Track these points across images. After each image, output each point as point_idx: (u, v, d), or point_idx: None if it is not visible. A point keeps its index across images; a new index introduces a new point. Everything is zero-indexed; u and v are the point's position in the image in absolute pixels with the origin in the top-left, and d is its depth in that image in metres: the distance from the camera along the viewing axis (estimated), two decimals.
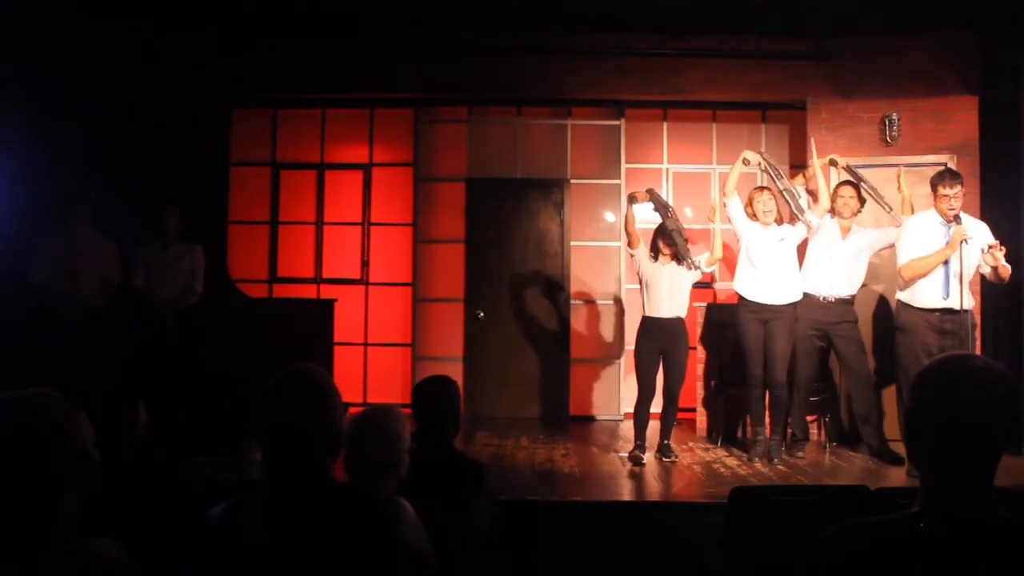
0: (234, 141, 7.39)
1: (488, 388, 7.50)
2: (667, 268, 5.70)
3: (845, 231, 5.77)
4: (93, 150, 6.45)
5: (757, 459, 5.58)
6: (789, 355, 5.76)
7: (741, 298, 5.76)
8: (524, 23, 6.70)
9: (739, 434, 6.44)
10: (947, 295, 5.10)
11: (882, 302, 6.42)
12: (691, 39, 6.85)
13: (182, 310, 6.13)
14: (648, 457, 5.64)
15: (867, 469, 5.44)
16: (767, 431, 5.75)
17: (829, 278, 5.70)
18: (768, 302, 5.67)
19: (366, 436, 2.44)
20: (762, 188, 5.88)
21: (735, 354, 6.10)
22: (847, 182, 5.91)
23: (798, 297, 5.72)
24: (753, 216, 5.77)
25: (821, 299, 5.69)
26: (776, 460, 5.58)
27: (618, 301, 7.59)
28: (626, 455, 5.69)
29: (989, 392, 1.46)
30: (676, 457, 5.65)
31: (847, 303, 5.76)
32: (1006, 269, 5.07)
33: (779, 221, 5.78)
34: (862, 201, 5.81)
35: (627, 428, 6.86)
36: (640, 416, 5.67)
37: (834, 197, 5.85)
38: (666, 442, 5.69)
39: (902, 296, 5.33)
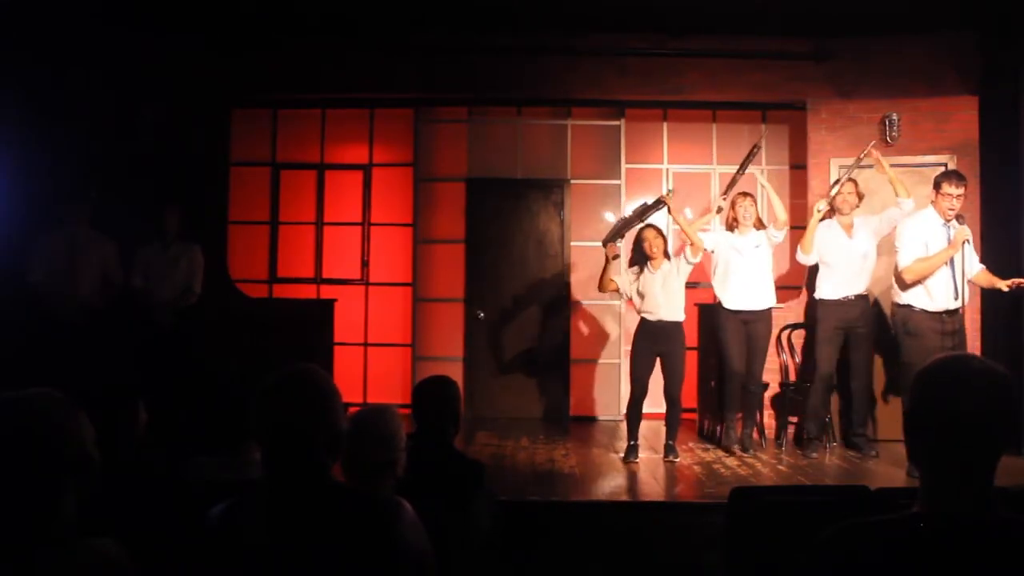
0: (234, 141, 7.39)
1: (488, 388, 7.50)
2: (659, 273, 5.70)
3: (849, 228, 5.82)
4: (93, 150, 6.45)
5: (735, 445, 5.80)
6: (767, 355, 6.02)
7: (721, 304, 5.93)
8: (524, 23, 6.70)
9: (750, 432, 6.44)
10: (957, 295, 5.11)
11: (881, 300, 6.43)
12: (691, 39, 6.85)
13: (182, 310, 6.13)
14: (647, 456, 5.68)
15: (867, 469, 5.44)
16: (739, 425, 5.98)
17: (845, 278, 5.77)
18: (748, 308, 5.85)
19: (361, 436, 2.44)
20: (745, 194, 5.98)
21: (718, 352, 6.21)
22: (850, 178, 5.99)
23: (774, 303, 5.94)
24: (734, 220, 5.91)
25: (843, 299, 5.76)
26: (752, 451, 5.81)
27: (618, 301, 7.58)
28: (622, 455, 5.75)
29: (989, 392, 1.47)
30: (678, 458, 5.68)
31: (866, 299, 5.85)
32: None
33: (757, 226, 5.93)
34: (860, 196, 5.87)
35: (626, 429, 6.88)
36: (633, 414, 5.75)
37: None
38: (671, 443, 5.72)
39: (908, 299, 5.28)
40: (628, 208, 5.94)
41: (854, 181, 5.89)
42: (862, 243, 5.78)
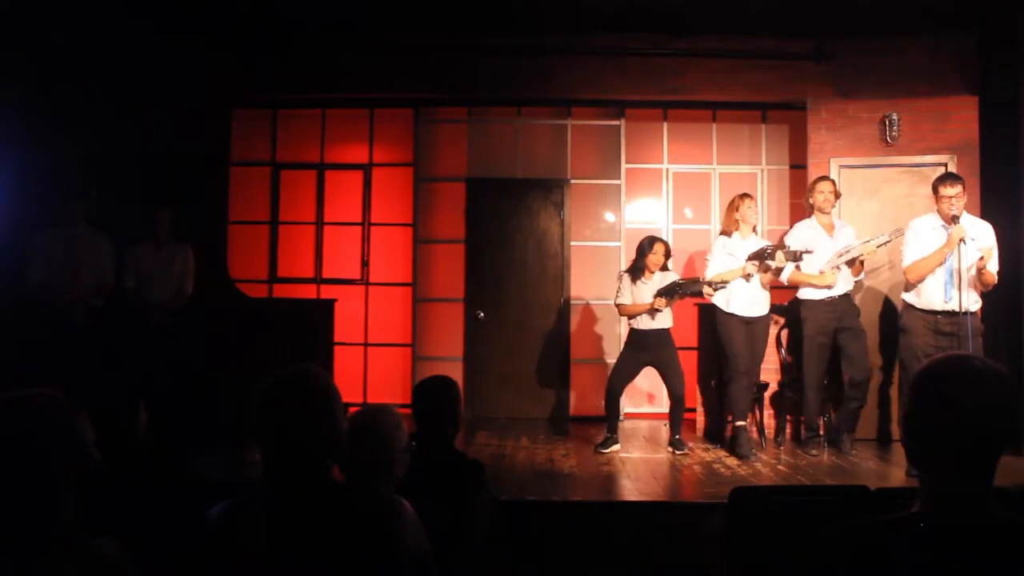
0: (234, 141, 7.39)
1: (488, 388, 7.50)
2: (651, 284, 5.87)
3: (829, 228, 5.84)
4: (94, 150, 6.45)
5: (755, 457, 5.67)
6: (764, 355, 6.02)
7: (719, 308, 5.88)
8: (524, 23, 6.69)
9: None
10: (949, 298, 5.11)
11: (886, 301, 6.44)
12: (691, 39, 6.85)
13: (180, 310, 6.13)
14: (647, 455, 5.71)
15: (867, 469, 5.43)
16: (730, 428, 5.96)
17: (838, 279, 5.74)
18: (746, 315, 5.82)
19: (361, 436, 2.44)
20: (746, 195, 5.95)
21: (719, 355, 6.19)
22: (825, 177, 6.04)
23: (769, 306, 5.90)
24: (734, 223, 5.88)
25: (827, 299, 5.75)
26: (755, 451, 5.80)
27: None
28: (625, 454, 5.80)
29: (988, 392, 1.47)
30: (688, 450, 5.81)
31: (848, 298, 5.84)
32: (990, 276, 5.11)
33: (755, 231, 5.94)
34: (837, 194, 5.92)
35: (627, 428, 6.89)
36: (610, 410, 6.00)
37: (812, 192, 5.92)
38: (677, 437, 5.88)
39: (907, 297, 5.36)
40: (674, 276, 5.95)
41: (832, 180, 5.98)
42: (842, 244, 5.77)
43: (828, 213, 5.86)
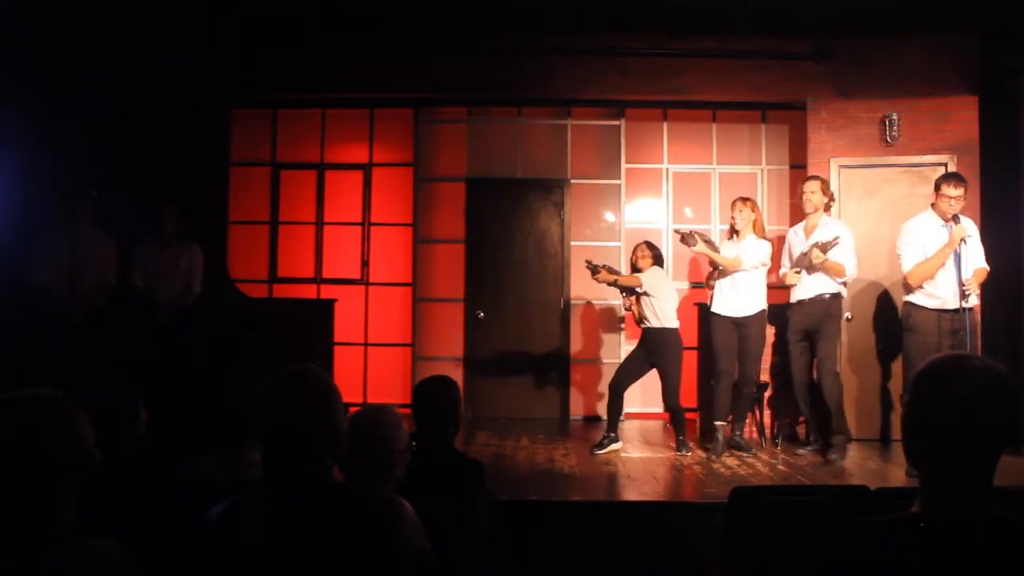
0: (234, 141, 7.38)
1: (488, 388, 7.50)
2: (644, 285, 5.93)
3: (809, 231, 5.80)
4: (95, 150, 6.45)
5: (716, 457, 5.66)
6: (762, 355, 5.97)
7: (709, 308, 5.91)
8: (524, 23, 6.70)
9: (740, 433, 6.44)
10: (963, 295, 5.09)
11: (881, 301, 6.43)
12: (691, 39, 6.85)
13: (182, 309, 6.14)
14: (647, 455, 5.71)
15: (867, 469, 5.44)
16: (729, 428, 5.91)
17: (807, 280, 5.72)
18: (735, 315, 5.81)
19: (361, 436, 2.43)
20: (738, 200, 5.95)
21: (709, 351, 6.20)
22: (812, 177, 6.00)
23: (763, 307, 5.85)
24: (734, 230, 5.90)
25: (805, 300, 5.74)
26: (753, 451, 5.80)
27: (618, 301, 7.58)
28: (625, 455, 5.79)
29: (988, 392, 1.46)
30: (689, 451, 5.83)
31: (823, 301, 5.70)
32: (979, 277, 5.16)
33: (759, 233, 5.88)
34: (830, 196, 5.89)
35: (628, 428, 6.89)
36: (611, 408, 5.95)
37: (797, 193, 5.94)
38: (681, 438, 5.90)
39: (913, 298, 5.29)
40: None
41: (821, 180, 5.93)
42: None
43: (809, 214, 5.83)
